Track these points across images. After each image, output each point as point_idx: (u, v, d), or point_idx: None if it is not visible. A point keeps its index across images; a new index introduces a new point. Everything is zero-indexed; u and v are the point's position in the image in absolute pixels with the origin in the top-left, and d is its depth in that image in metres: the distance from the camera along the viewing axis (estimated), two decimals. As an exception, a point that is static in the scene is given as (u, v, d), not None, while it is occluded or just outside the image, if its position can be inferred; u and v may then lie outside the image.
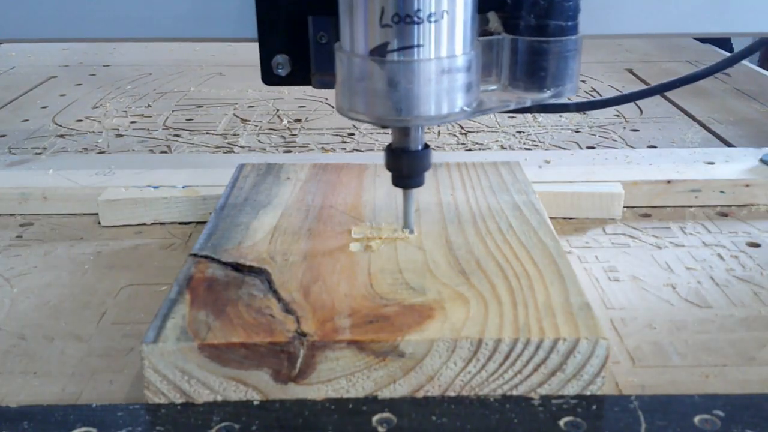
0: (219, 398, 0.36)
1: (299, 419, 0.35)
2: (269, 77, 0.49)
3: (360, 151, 0.74)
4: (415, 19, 0.38)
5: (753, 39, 0.70)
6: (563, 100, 0.45)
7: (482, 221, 0.48)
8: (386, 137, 0.77)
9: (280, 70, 0.48)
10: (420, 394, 0.37)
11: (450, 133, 0.79)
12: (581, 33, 0.43)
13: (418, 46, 0.39)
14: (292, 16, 0.47)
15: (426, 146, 0.44)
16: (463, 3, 0.39)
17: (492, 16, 0.44)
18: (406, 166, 0.44)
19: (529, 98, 0.44)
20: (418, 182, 0.45)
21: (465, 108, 0.41)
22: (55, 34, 0.54)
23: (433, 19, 0.38)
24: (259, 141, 0.77)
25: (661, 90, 0.65)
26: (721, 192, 0.60)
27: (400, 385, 0.37)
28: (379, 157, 0.69)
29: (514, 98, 0.44)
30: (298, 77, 0.49)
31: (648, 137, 0.77)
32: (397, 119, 0.41)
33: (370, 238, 0.46)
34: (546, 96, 0.44)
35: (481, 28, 0.43)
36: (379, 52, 0.39)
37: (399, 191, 0.54)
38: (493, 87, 0.45)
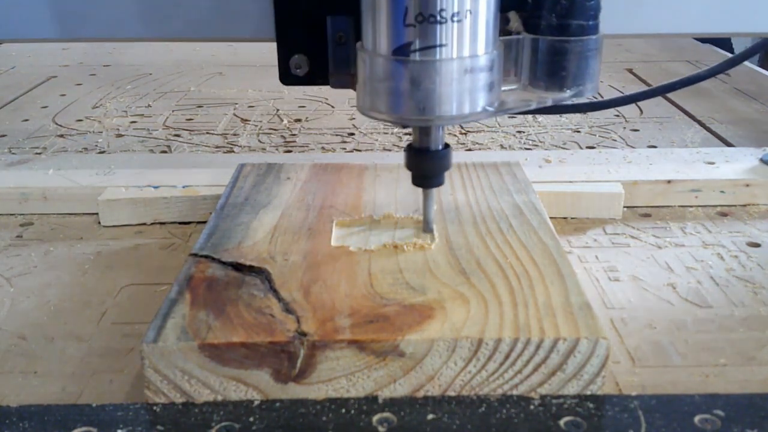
0: (219, 398, 0.36)
1: (299, 419, 0.35)
2: (287, 77, 0.49)
3: (360, 151, 0.74)
4: (439, 18, 0.38)
5: (753, 40, 0.70)
6: (583, 100, 0.44)
7: (482, 221, 0.48)
8: (386, 137, 0.77)
9: (298, 70, 0.48)
10: (420, 394, 0.37)
11: (450, 133, 0.79)
12: (602, 32, 0.43)
13: (441, 45, 0.39)
14: (310, 15, 0.47)
15: (446, 145, 0.44)
16: (487, 2, 0.39)
17: (512, 16, 0.44)
18: (427, 165, 0.45)
19: (550, 98, 0.44)
20: (438, 182, 0.45)
21: (487, 108, 0.41)
22: (63, 34, 0.53)
23: (456, 18, 0.38)
24: (259, 141, 0.77)
25: (663, 91, 0.65)
26: (721, 192, 0.60)
27: (401, 384, 0.37)
28: (379, 157, 0.69)
29: (535, 98, 0.44)
30: (316, 77, 0.48)
31: (648, 137, 0.77)
32: (419, 119, 0.41)
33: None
34: (566, 96, 0.43)
35: (502, 28, 0.43)
36: (402, 51, 0.39)
37: (398, 191, 0.54)
38: (513, 86, 0.44)
